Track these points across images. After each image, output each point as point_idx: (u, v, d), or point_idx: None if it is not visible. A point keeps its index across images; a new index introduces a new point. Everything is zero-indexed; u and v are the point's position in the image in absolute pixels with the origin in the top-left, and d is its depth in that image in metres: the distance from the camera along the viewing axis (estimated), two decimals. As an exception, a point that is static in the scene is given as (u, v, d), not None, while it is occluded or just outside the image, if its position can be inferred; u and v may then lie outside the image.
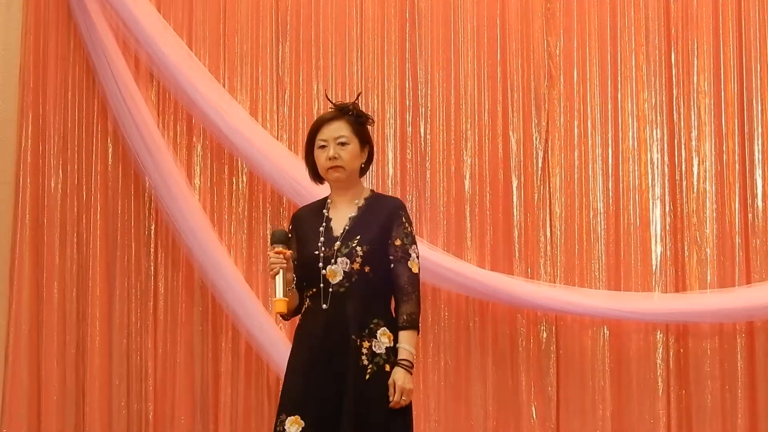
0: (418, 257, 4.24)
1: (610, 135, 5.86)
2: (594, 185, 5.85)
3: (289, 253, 4.16)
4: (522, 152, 5.89)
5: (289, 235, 4.30)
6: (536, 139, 5.91)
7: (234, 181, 6.08)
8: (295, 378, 4.17)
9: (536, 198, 5.87)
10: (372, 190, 4.39)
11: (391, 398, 4.08)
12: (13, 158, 6.18)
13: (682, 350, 5.74)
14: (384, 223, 4.22)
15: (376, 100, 5.97)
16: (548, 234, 5.85)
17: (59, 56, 6.22)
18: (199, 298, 6.05)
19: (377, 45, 6.02)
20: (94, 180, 6.14)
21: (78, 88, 6.21)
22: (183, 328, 6.04)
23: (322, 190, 5.68)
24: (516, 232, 5.86)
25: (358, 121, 4.29)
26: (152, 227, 6.12)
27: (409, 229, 4.26)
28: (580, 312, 5.74)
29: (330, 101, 4.39)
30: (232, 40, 6.13)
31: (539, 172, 5.88)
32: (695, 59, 5.83)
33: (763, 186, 5.72)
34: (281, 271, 4.13)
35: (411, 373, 4.13)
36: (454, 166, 5.91)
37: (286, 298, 4.13)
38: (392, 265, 4.20)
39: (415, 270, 4.22)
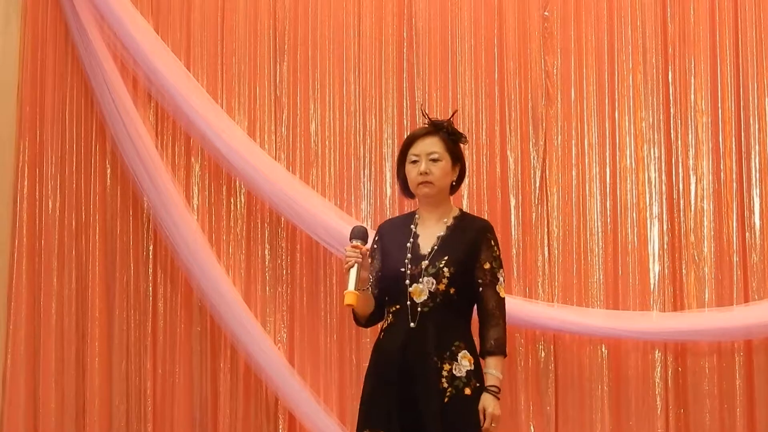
0: (504, 281, 4.28)
1: (607, 154, 5.86)
2: (592, 204, 5.85)
3: (365, 249, 4.18)
4: (520, 171, 5.89)
5: (375, 246, 4.33)
6: (534, 159, 5.91)
7: (232, 201, 6.08)
8: (380, 394, 4.20)
9: (534, 217, 5.87)
10: (461, 210, 4.43)
11: (482, 425, 4.10)
12: (10, 179, 6.18)
13: (680, 369, 5.73)
14: (472, 244, 4.26)
15: (374, 120, 5.98)
16: (546, 253, 5.85)
17: (57, 77, 6.22)
18: (198, 318, 6.05)
19: (375, 65, 6.03)
20: (93, 201, 6.14)
21: (76, 108, 6.21)
22: (182, 348, 6.04)
23: (323, 210, 5.78)
24: (514, 251, 5.86)
25: (451, 138, 4.34)
26: (151, 248, 6.12)
27: (497, 253, 4.30)
28: (578, 331, 5.73)
29: (426, 116, 4.45)
30: (229, 61, 6.13)
31: (537, 192, 5.88)
32: (692, 78, 5.83)
33: (761, 204, 5.72)
34: (356, 265, 4.13)
35: (498, 399, 4.16)
36: (453, 185, 5.91)
37: (357, 292, 4.12)
38: (480, 289, 4.25)
39: (502, 294, 4.27)
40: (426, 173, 4.26)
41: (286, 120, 6.08)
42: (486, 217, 5.83)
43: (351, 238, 4.21)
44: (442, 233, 4.28)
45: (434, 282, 4.18)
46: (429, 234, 4.29)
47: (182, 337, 6.05)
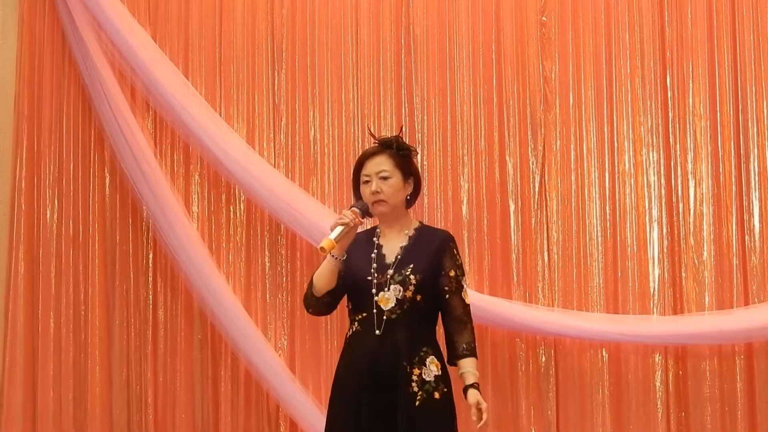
0: (467, 287, 4.39)
1: (606, 158, 5.87)
2: (591, 209, 5.86)
3: (361, 221, 4.28)
4: (519, 177, 5.90)
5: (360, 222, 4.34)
6: (533, 164, 5.92)
7: (231, 209, 6.08)
8: (346, 401, 4.26)
9: (533, 222, 5.88)
10: (420, 222, 4.50)
11: (474, 417, 4.17)
12: (8, 188, 6.18)
13: (681, 372, 5.75)
14: (435, 254, 4.34)
15: (372, 127, 5.96)
16: (546, 258, 5.86)
17: (54, 86, 6.21)
18: (199, 326, 6.05)
19: (373, 71, 6.03)
20: (92, 209, 6.14)
21: (74, 117, 6.20)
22: (182, 356, 6.04)
23: (322, 217, 5.77)
24: (514, 257, 5.87)
25: (400, 154, 4.38)
26: (150, 256, 6.12)
27: (460, 261, 4.39)
28: (578, 335, 5.74)
29: (373, 136, 4.51)
30: (228, 68, 6.14)
31: (536, 197, 5.89)
32: (690, 82, 5.84)
33: (760, 207, 5.74)
34: (347, 226, 4.21)
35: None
36: (451, 192, 5.92)
37: (336, 243, 4.19)
38: (447, 296, 4.33)
39: (467, 301, 4.37)
40: (377, 192, 4.32)
41: (284, 127, 6.09)
42: (486, 223, 5.88)
43: (353, 206, 4.32)
44: (404, 244, 4.36)
45: (401, 289, 4.26)
46: (392, 245, 4.37)
47: (183, 345, 6.05)
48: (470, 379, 4.25)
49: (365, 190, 4.36)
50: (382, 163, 4.35)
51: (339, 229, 4.22)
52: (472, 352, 4.32)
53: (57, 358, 6.08)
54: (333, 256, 4.27)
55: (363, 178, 4.38)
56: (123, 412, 6.06)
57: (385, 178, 4.33)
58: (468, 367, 4.28)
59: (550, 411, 5.81)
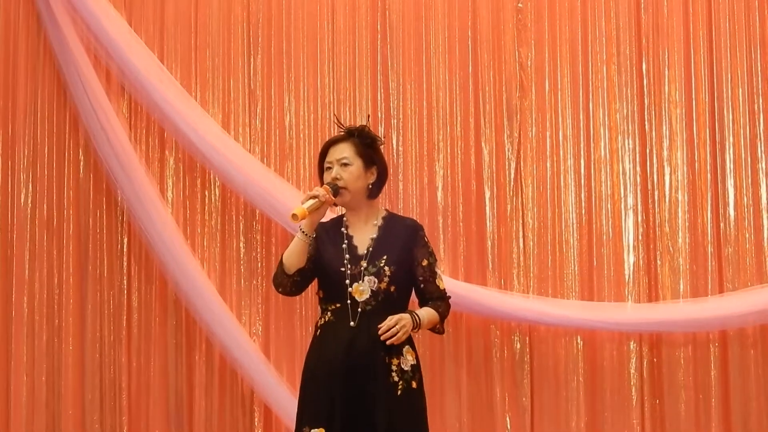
0: (441, 272, 4.41)
1: (582, 145, 5.88)
2: (566, 196, 5.87)
3: (332, 200, 4.26)
4: (494, 163, 5.90)
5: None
6: (508, 150, 5.92)
7: (206, 194, 6.06)
8: (319, 391, 4.26)
9: (509, 209, 5.88)
10: (387, 210, 4.49)
11: (385, 327, 4.16)
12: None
13: (655, 360, 5.76)
14: (406, 244, 4.35)
15: (348, 112, 5.97)
16: (521, 245, 5.86)
17: (29, 69, 6.17)
18: (173, 311, 6.03)
19: (349, 57, 6.03)
20: (66, 193, 6.12)
21: (48, 101, 6.16)
22: (157, 341, 6.02)
23: (294, 200, 5.75)
24: (489, 243, 5.87)
25: (363, 142, 4.38)
26: (125, 240, 6.10)
27: (431, 249, 4.40)
28: (553, 322, 5.75)
29: (339, 124, 4.51)
30: (203, 54, 6.12)
31: (512, 183, 5.89)
32: (666, 69, 5.86)
33: (735, 195, 5.75)
34: (317, 200, 4.20)
35: (413, 329, 4.24)
36: (427, 178, 5.92)
37: (308, 213, 4.18)
38: (422, 285, 4.36)
39: (442, 287, 4.39)
40: (337, 178, 4.33)
41: (260, 113, 6.07)
42: (461, 209, 5.88)
43: (325, 183, 4.31)
44: (374, 235, 4.36)
45: (376, 281, 4.26)
46: (362, 236, 4.36)
47: (157, 331, 6.03)
48: (420, 312, 4.27)
49: (327, 177, 4.36)
50: (344, 150, 4.35)
51: (310, 201, 4.21)
52: (441, 316, 4.35)
53: (30, 342, 6.04)
54: (303, 232, 4.26)
55: (326, 165, 4.38)
56: (96, 396, 6.03)
57: (345, 165, 4.33)
58: (422, 310, 4.30)
59: (525, 398, 5.81)
